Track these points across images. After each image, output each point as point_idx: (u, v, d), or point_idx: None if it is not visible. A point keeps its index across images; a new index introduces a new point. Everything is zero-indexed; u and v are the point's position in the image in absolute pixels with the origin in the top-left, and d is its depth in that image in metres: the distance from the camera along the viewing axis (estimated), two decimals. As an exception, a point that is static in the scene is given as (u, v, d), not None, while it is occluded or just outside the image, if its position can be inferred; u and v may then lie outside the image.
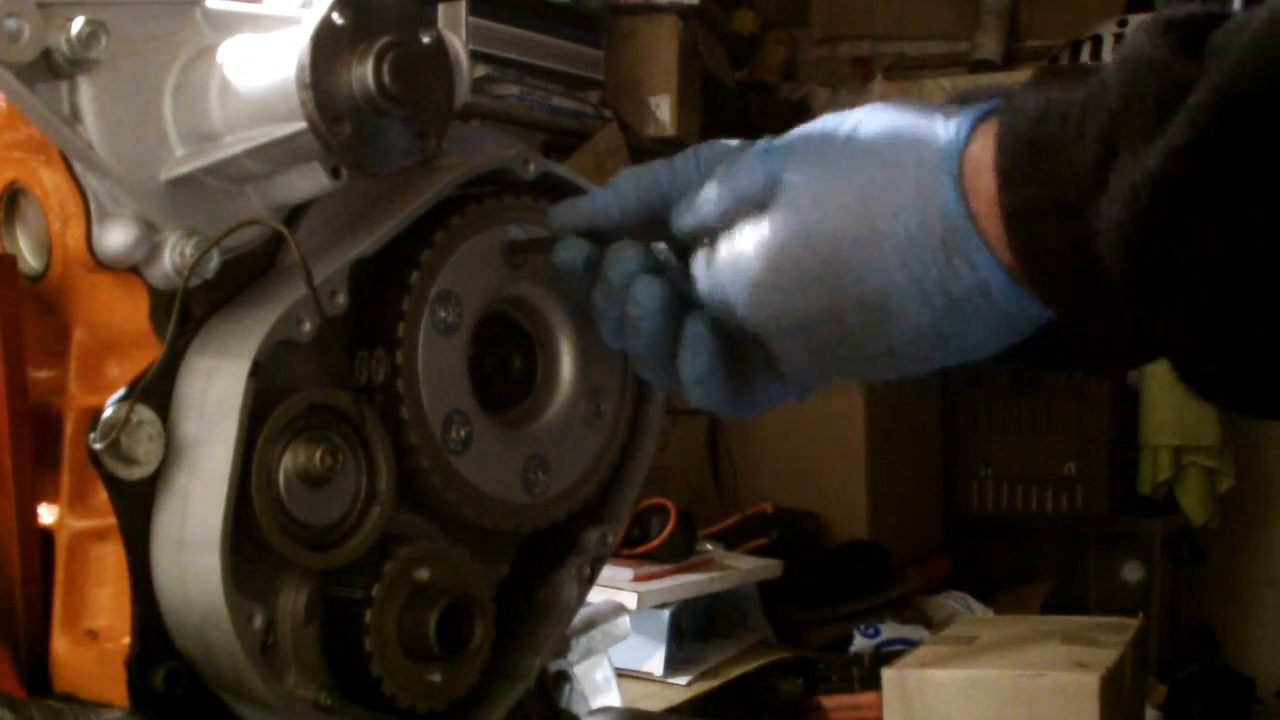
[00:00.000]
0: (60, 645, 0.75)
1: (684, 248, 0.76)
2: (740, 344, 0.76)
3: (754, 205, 0.71)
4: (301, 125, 0.71)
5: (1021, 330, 0.68)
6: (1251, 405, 0.64)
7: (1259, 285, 0.58)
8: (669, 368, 0.77)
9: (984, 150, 0.65)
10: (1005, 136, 0.64)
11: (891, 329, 0.68)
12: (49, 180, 0.74)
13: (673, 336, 0.76)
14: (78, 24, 0.70)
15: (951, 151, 0.66)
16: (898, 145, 0.68)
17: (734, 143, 0.79)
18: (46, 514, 0.76)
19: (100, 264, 0.73)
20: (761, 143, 0.74)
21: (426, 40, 0.75)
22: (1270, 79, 0.56)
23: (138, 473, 0.73)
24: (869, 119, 0.70)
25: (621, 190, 0.79)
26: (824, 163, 0.69)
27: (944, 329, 0.67)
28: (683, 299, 0.76)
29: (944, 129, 0.67)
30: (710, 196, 0.74)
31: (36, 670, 0.75)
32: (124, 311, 0.75)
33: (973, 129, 0.67)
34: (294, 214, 0.79)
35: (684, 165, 0.79)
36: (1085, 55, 3.68)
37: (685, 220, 0.75)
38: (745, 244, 0.71)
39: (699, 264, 0.74)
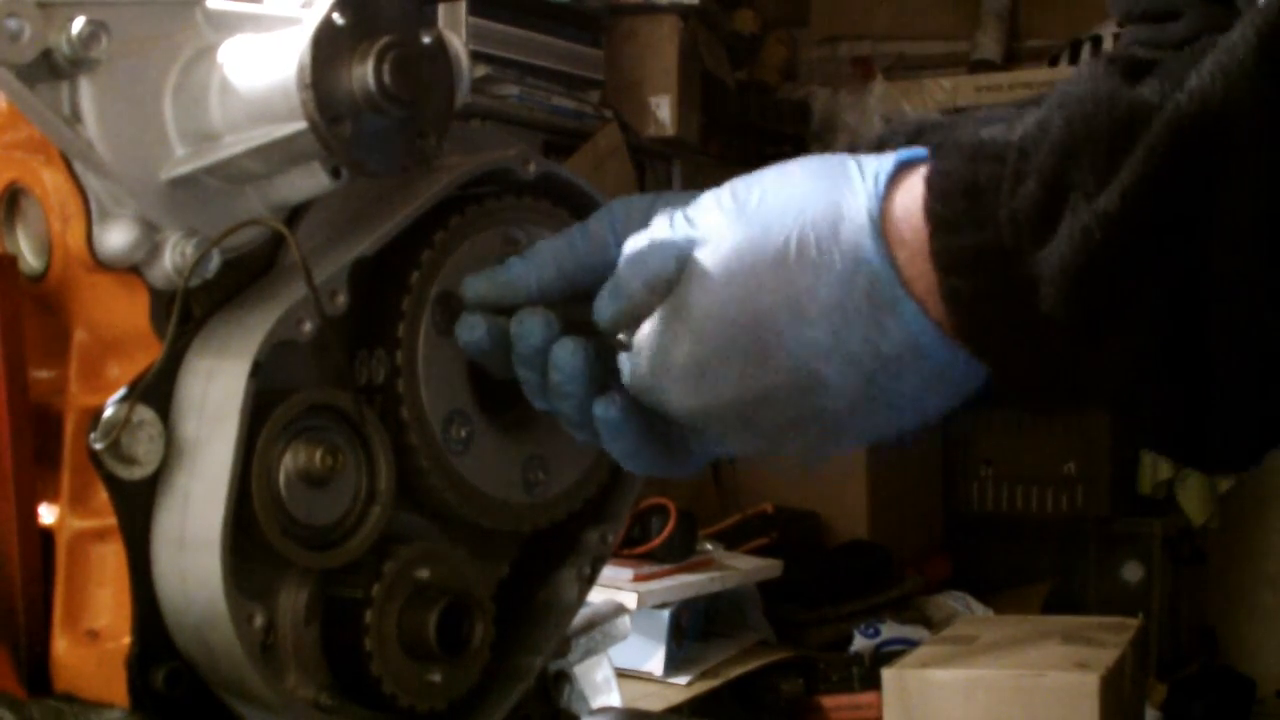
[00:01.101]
0: (60, 645, 0.75)
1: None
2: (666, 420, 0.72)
3: (666, 288, 0.68)
4: (301, 125, 0.71)
5: (961, 389, 0.64)
6: (1199, 458, 0.62)
7: (1210, 327, 0.56)
8: (590, 432, 0.74)
9: (912, 195, 0.62)
10: (936, 179, 0.61)
11: (825, 400, 0.65)
12: (49, 180, 0.74)
13: (588, 406, 0.73)
14: (78, 24, 0.70)
15: (872, 198, 0.63)
16: (812, 201, 0.64)
17: (645, 199, 0.76)
18: (47, 514, 0.76)
19: (100, 264, 0.73)
20: (667, 210, 0.71)
21: (426, 40, 0.75)
22: (1230, 112, 0.54)
23: (138, 473, 0.73)
24: (779, 178, 0.67)
25: (539, 261, 0.76)
26: (734, 231, 0.66)
27: (878, 393, 0.64)
28: (605, 361, 0.73)
29: (862, 178, 0.64)
30: (622, 285, 0.70)
31: (36, 670, 0.75)
32: (124, 311, 0.75)
33: (895, 174, 0.64)
34: (294, 214, 0.79)
35: (599, 230, 0.75)
36: (1085, 55, 3.68)
37: (603, 314, 0.71)
38: (663, 336, 0.68)
39: (621, 359, 0.71)
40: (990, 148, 0.60)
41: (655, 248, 0.68)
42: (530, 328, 0.73)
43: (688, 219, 0.69)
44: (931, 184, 0.61)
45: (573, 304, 0.75)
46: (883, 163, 0.65)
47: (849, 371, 0.63)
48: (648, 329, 0.69)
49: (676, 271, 0.68)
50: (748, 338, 0.65)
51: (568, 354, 0.72)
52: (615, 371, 0.73)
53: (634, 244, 0.70)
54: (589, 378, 0.72)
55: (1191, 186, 0.54)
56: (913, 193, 0.62)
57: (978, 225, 0.59)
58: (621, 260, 0.70)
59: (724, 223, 0.67)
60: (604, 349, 0.73)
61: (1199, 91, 0.54)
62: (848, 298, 0.63)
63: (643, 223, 0.73)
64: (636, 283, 0.69)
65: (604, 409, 0.72)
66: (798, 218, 0.64)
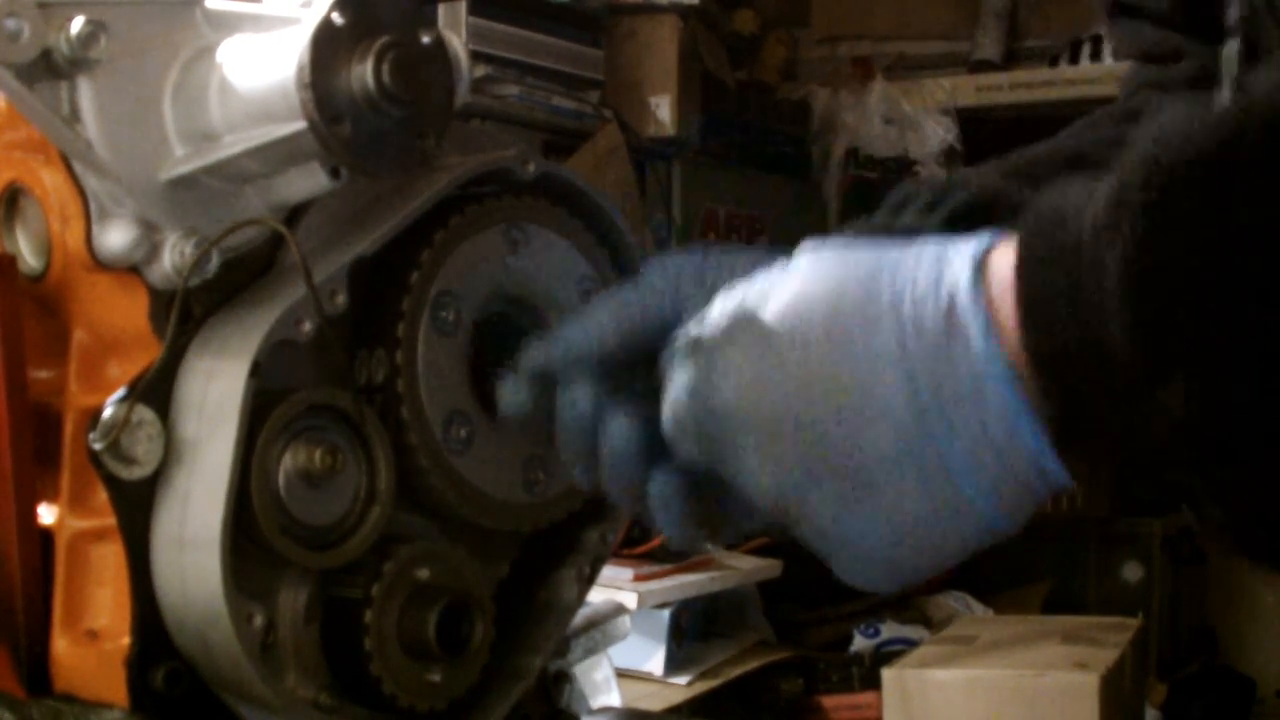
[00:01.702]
0: (60, 645, 0.75)
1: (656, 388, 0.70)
2: (711, 487, 0.69)
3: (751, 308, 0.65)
4: (301, 125, 0.71)
5: (1011, 465, 0.60)
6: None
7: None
8: (639, 502, 0.71)
9: (1006, 242, 0.60)
10: (1026, 218, 0.59)
11: (864, 437, 0.61)
12: (49, 180, 0.74)
13: (643, 474, 0.70)
14: (77, 24, 0.70)
15: (982, 242, 0.61)
16: (917, 244, 0.62)
17: (694, 258, 0.73)
18: (46, 514, 0.76)
19: (100, 264, 0.73)
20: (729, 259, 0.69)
21: (426, 40, 0.75)
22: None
23: (138, 473, 0.73)
24: (855, 251, 0.64)
25: (599, 324, 0.72)
26: (834, 249, 0.64)
27: (924, 443, 0.60)
28: (653, 435, 0.69)
29: (973, 238, 0.62)
30: (696, 318, 0.67)
31: (36, 670, 0.75)
32: (124, 311, 0.75)
33: (1002, 236, 0.61)
34: (294, 214, 0.79)
35: (656, 293, 0.72)
36: (1085, 55, 3.69)
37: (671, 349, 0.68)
38: (737, 330, 0.65)
39: (677, 377, 0.67)
40: (1072, 200, 0.58)
41: (729, 298, 0.66)
42: (579, 404, 0.71)
43: (760, 280, 0.66)
44: (1022, 234, 0.59)
45: (625, 370, 0.72)
46: (996, 233, 0.62)
47: (902, 395, 0.60)
48: (726, 348, 0.65)
49: (763, 294, 0.65)
50: (818, 333, 0.62)
51: (621, 437, 0.69)
52: (663, 443, 0.69)
53: (722, 276, 0.68)
54: (642, 456, 0.70)
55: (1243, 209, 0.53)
56: (1008, 249, 0.60)
57: (1056, 262, 0.57)
58: (696, 318, 0.68)
59: (805, 267, 0.64)
60: (655, 417, 0.70)
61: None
62: (929, 311, 0.60)
63: (697, 284, 0.71)
64: (715, 309, 0.67)
65: (659, 487, 0.69)
66: (902, 248, 0.63)
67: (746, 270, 0.69)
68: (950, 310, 0.59)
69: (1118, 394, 0.56)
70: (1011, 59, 3.94)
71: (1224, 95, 0.92)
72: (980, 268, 0.60)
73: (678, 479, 0.69)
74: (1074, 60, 3.72)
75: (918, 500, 0.61)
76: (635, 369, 0.71)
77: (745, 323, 0.64)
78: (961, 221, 0.86)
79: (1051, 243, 0.57)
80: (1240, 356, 0.55)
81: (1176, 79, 1.06)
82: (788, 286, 0.63)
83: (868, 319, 0.61)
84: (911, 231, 0.85)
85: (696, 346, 0.67)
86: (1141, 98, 1.08)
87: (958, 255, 0.61)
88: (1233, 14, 0.91)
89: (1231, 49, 0.92)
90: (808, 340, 0.62)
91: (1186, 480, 0.61)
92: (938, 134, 3.81)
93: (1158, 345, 0.55)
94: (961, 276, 0.60)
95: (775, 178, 3.82)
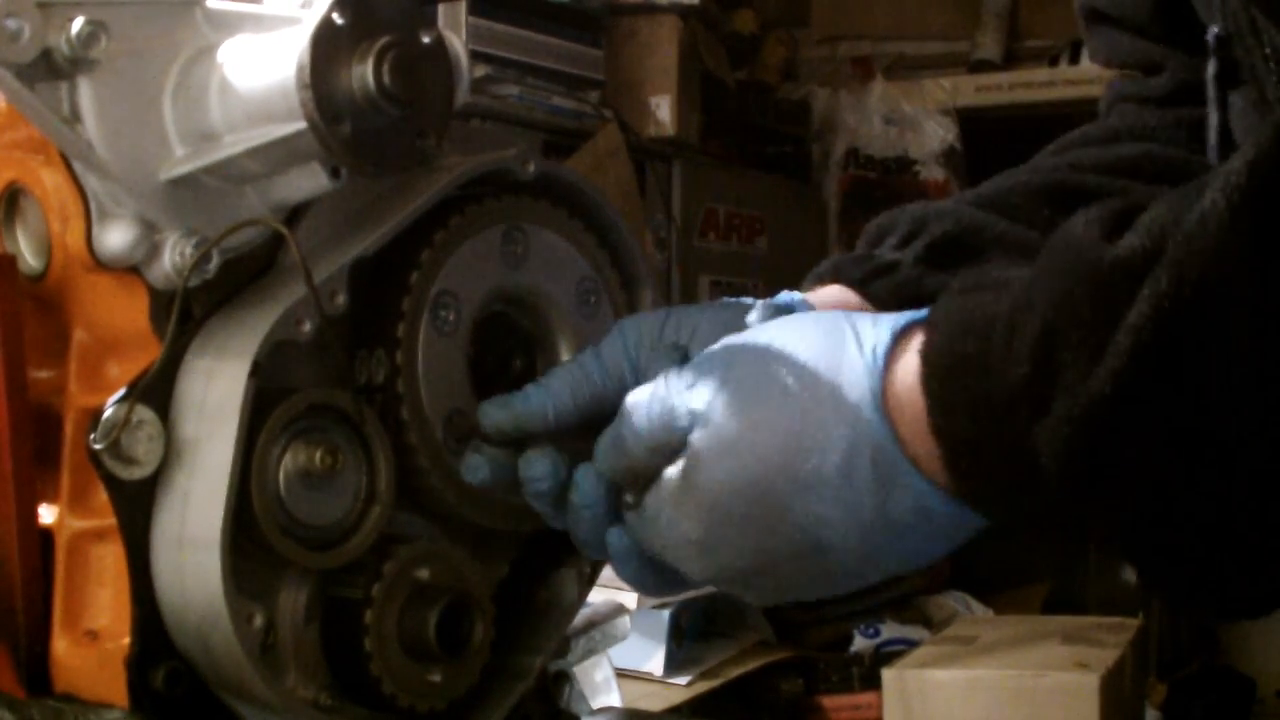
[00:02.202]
0: (60, 645, 0.75)
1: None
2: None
3: (668, 455, 0.70)
4: (301, 125, 0.71)
5: (962, 537, 0.67)
6: (1206, 607, 0.65)
7: (1204, 487, 0.58)
8: (603, 553, 0.77)
9: (908, 370, 0.64)
10: (930, 356, 0.63)
11: (830, 560, 0.67)
12: (49, 180, 0.74)
13: (602, 533, 0.76)
14: (78, 24, 0.70)
15: (873, 374, 0.65)
16: (811, 379, 0.66)
17: (655, 318, 0.78)
18: (46, 514, 0.76)
19: (100, 264, 0.73)
20: (670, 367, 0.72)
21: (426, 40, 0.75)
22: (1208, 288, 0.55)
23: (138, 473, 0.73)
24: (778, 351, 0.68)
25: (555, 391, 0.78)
26: (736, 409, 0.67)
27: (883, 550, 0.66)
28: (618, 491, 0.75)
29: (860, 352, 0.66)
30: (626, 446, 0.72)
31: (36, 670, 0.75)
32: (124, 311, 0.75)
33: (894, 345, 0.65)
34: (294, 214, 0.79)
35: (614, 359, 0.78)
36: (1085, 55, 3.68)
37: (604, 467, 0.74)
38: (671, 502, 0.70)
39: (629, 515, 0.74)
40: (981, 317, 0.61)
41: (659, 417, 0.70)
42: (539, 471, 0.76)
43: (689, 386, 0.70)
44: (927, 359, 0.63)
45: (585, 433, 0.77)
46: (880, 334, 0.66)
47: (854, 536, 0.66)
48: (654, 500, 0.71)
49: (682, 435, 0.69)
50: (756, 513, 0.67)
51: (584, 500, 0.75)
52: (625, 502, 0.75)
53: (636, 405, 0.72)
54: (606, 505, 0.75)
55: (1179, 362, 0.56)
56: (909, 367, 0.64)
57: (973, 406, 0.61)
58: (624, 420, 0.72)
59: (725, 400, 0.68)
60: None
61: (1175, 266, 0.56)
62: (854, 471, 0.65)
63: (652, 348, 0.76)
64: (639, 448, 0.71)
65: (617, 538, 0.75)
66: (799, 395, 0.66)
67: (704, 333, 0.75)
68: (873, 467, 0.64)
69: (1050, 518, 0.63)
70: (1011, 59, 3.94)
71: (1213, 118, 0.93)
72: (887, 415, 0.64)
73: (632, 544, 0.74)
74: (1074, 60, 3.72)
75: (883, 571, 0.68)
76: (597, 431, 0.76)
77: (676, 508, 0.70)
78: (939, 252, 0.89)
79: (967, 398, 0.61)
80: (1156, 504, 0.60)
81: (1156, 92, 1.06)
82: (708, 471, 0.68)
83: (800, 490, 0.65)
84: (889, 266, 0.91)
85: (631, 482, 0.72)
86: (1120, 113, 1.08)
87: (862, 406, 0.65)
88: (1211, 33, 0.91)
89: (1209, 70, 0.93)
90: (746, 528, 0.67)
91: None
92: (938, 134, 3.81)
93: (1086, 498, 0.61)
94: (876, 436, 0.64)
95: (775, 178, 3.82)
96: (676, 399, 0.70)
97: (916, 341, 0.65)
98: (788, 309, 0.80)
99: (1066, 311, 0.58)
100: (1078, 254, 0.59)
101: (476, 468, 0.79)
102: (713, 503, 0.68)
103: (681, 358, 0.74)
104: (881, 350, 0.65)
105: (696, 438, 0.68)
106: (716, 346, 0.72)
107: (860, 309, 0.89)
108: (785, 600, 0.73)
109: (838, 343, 0.67)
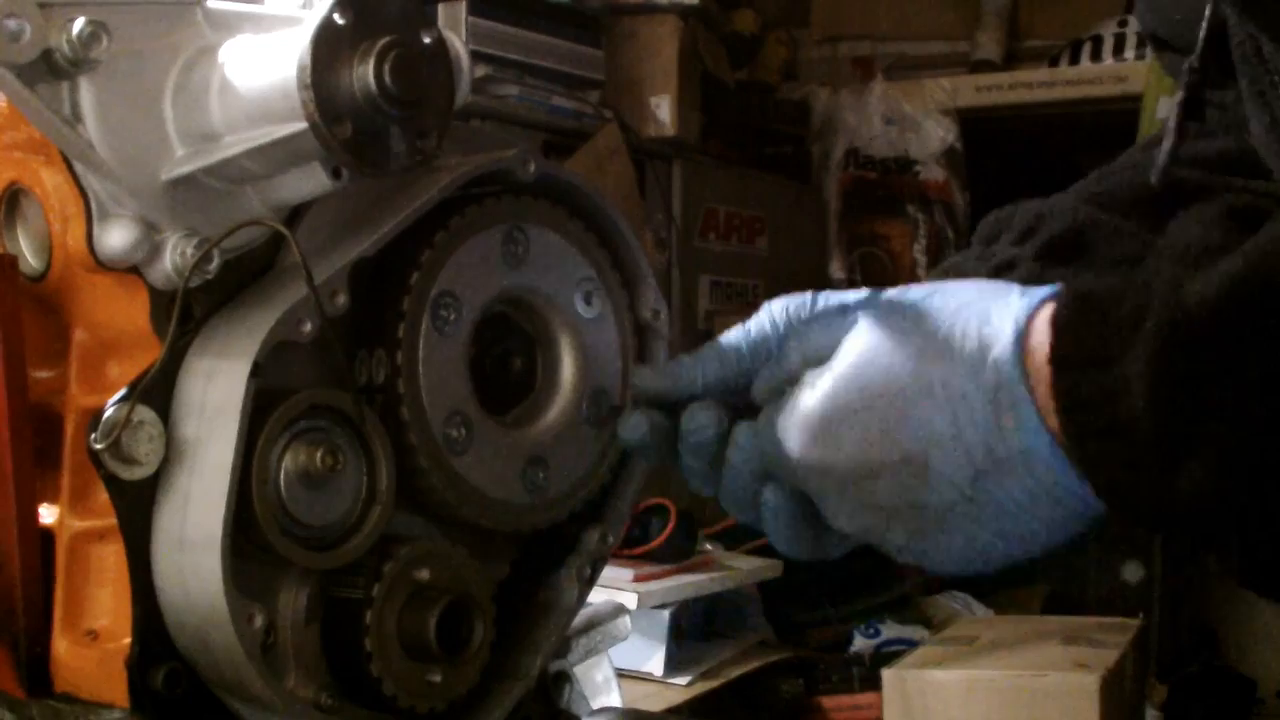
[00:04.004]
0: (60, 645, 0.75)
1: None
2: (814, 506, 0.78)
3: (820, 361, 0.74)
4: (302, 125, 0.71)
5: (1062, 520, 0.69)
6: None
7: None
8: (753, 514, 0.80)
9: (1043, 314, 0.68)
10: (1065, 295, 0.68)
11: (928, 493, 0.70)
12: (49, 180, 0.74)
13: (757, 489, 0.79)
14: (78, 24, 0.70)
15: (1021, 310, 0.69)
16: (969, 303, 0.70)
17: (806, 296, 0.82)
18: (47, 514, 0.76)
19: (100, 264, 0.73)
20: (835, 300, 0.78)
21: (426, 40, 0.75)
22: None
23: (138, 473, 0.73)
24: (948, 287, 0.73)
25: (706, 360, 0.82)
26: (890, 319, 0.72)
27: (981, 496, 0.69)
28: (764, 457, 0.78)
29: (1020, 295, 0.70)
30: (783, 359, 0.77)
31: (36, 670, 0.75)
32: (124, 312, 0.75)
33: (1044, 301, 0.69)
34: (294, 214, 0.79)
35: (762, 331, 0.82)
36: (1085, 55, 3.68)
37: (760, 386, 0.78)
38: (803, 393, 0.74)
39: (762, 418, 0.77)
40: (1109, 289, 0.66)
41: (822, 326, 0.76)
42: (704, 421, 0.79)
43: (852, 305, 0.75)
44: (1061, 297, 0.68)
45: (732, 396, 0.81)
46: (1040, 291, 0.70)
47: (958, 465, 0.69)
48: (796, 389, 0.75)
49: (831, 347, 0.74)
50: (877, 406, 0.71)
51: (741, 455, 0.78)
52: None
53: (797, 337, 0.77)
54: (759, 472, 0.78)
55: (1267, 309, 0.60)
56: (1048, 308, 0.69)
57: (1088, 330, 0.65)
58: (785, 349, 0.78)
59: (883, 311, 0.73)
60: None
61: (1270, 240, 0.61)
62: (976, 391, 0.68)
63: (803, 323, 0.80)
64: (795, 356, 0.76)
65: (772, 493, 0.78)
66: (954, 313, 0.71)
67: (842, 316, 0.77)
68: (996, 389, 0.67)
69: (1139, 468, 0.64)
70: (1011, 59, 3.94)
71: (1166, 143, 0.97)
72: (1021, 346, 0.67)
73: (785, 496, 0.77)
74: (1074, 60, 3.72)
75: (984, 533, 0.69)
76: (743, 394, 0.80)
77: (810, 389, 0.73)
78: (1055, 249, 0.94)
79: (1085, 346, 0.65)
80: (1242, 454, 0.62)
81: (1214, 102, 1.08)
82: (846, 361, 0.72)
83: (921, 395, 0.68)
84: (1009, 264, 0.95)
85: (774, 395, 0.76)
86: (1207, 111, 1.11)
87: (1001, 334, 0.68)
88: (1185, 65, 0.94)
89: (1229, 96, 0.96)
90: (867, 417, 0.70)
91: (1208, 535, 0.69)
92: (938, 134, 3.81)
93: (1172, 439, 0.63)
94: (1004, 357, 0.67)
95: (775, 178, 3.82)
96: (838, 326, 0.74)
97: (1060, 292, 0.69)
98: None
99: (1170, 259, 0.63)
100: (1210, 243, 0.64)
101: (636, 425, 0.82)
102: (841, 388, 0.71)
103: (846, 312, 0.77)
104: (1036, 299, 0.69)
105: (847, 337, 0.73)
106: (873, 298, 0.76)
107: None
108: (888, 539, 0.74)
109: (1000, 287, 0.71)
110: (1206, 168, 1.01)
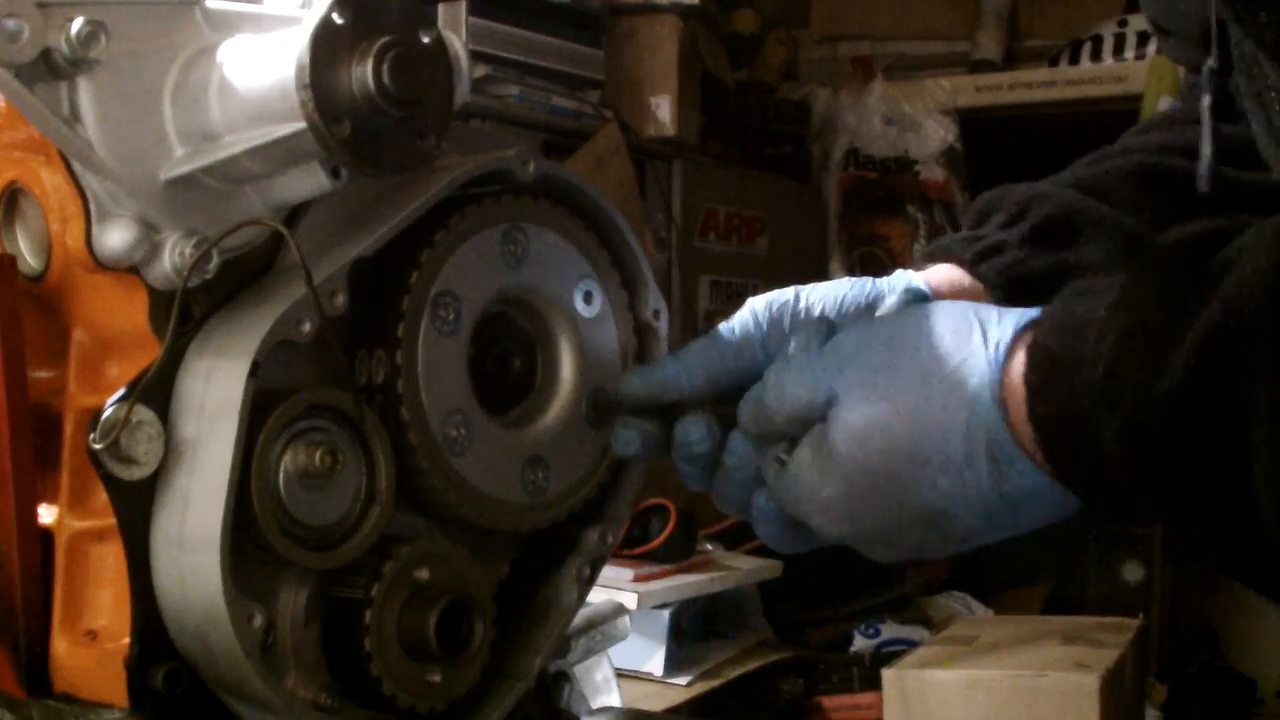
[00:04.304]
0: (60, 645, 0.75)
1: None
2: None
3: (811, 420, 0.77)
4: (301, 125, 0.71)
5: (1072, 509, 0.73)
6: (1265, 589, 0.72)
7: (1254, 485, 0.64)
8: (746, 514, 0.84)
9: (1019, 364, 0.71)
10: (1034, 351, 0.70)
11: (953, 528, 0.74)
12: (49, 180, 0.74)
13: (750, 494, 0.82)
14: (77, 24, 0.70)
15: (994, 366, 0.71)
16: (944, 364, 0.73)
17: (784, 296, 0.86)
18: (46, 514, 0.76)
19: (100, 264, 0.73)
20: (816, 303, 0.83)
21: (426, 40, 0.75)
22: (1253, 322, 0.62)
23: (138, 473, 0.73)
24: (917, 332, 0.75)
25: (690, 362, 0.84)
26: (875, 386, 0.74)
27: (999, 522, 0.74)
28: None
29: (985, 346, 0.72)
30: (769, 412, 0.78)
31: (36, 670, 0.75)
32: (124, 312, 0.75)
33: (1014, 341, 0.72)
34: (294, 214, 0.79)
35: (745, 336, 0.84)
36: (1085, 55, 3.68)
37: (749, 426, 0.80)
38: (808, 468, 0.76)
39: (769, 474, 0.79)
40: (1076, 321, 0.69)
41: (802, 388, 0.77)
42: (697, 436, 0.82)
43: (829, 364, 0.77)
44: (1030, 354, 0.71)
45: (717, 402, 0.83)
46: (1003, 330, 0.73)
47: (975, 511, 0.73)
48: (794, 467, 0.77)
49: (821, 405, 0.76)
50: (885, 486, 0.74)
51: (742, 449, 0.81)
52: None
53: (781, 374, 0.78)
54: (754, 470, 0.81)
55: (1224, 382, 0.63)
56: (1020, 361, 0.72)
57: (1060, 396, 0.68)
58: (768, 388, 0.79)
59: (861, 382, 0.75)
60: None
61: (1226, 301, 0.63)
62: (972, 453, 0.72)
63: (783, 330, 0.84)
64: (781, 415, 0.78)
65: (763, 500, 0.81)
66: (928, 383, 0.73)
67: (837, 312, 0.83)
68: (988, 446, 0.71)
69: (1123, 499, 0.69)
70: (1011, 59, 3.94)
71: (1206, 149, 0.98)
72: (1001, 402, 0.71)
73: (775, 503, 0.80)
74: (1074, 60, 3.72)
75: (1004, 534, 0.75)
76: (727, 402, 0.82)
77: (815, 442, 0.76)
78: (1042, 233, 0.93)
79: (1058, 391, 0.68)
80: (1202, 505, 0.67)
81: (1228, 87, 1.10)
82: (842, 448, 0.74)
83: (923, 466, 0.72)
84: (997, 247, 0.98)
85: (763, 442, 0.79)
86: (1194, 98, 1.11)
87: (980, 397, 0.71)
88: (1206, 66, 0.95)
89: (1204, 102, 0.98)
90: (878, 500, 0.74)
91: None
92: (938, 134, 3.81)
93: (1146, 501, 0.68)
94: (988, 416, 0.71)
95: (775, 178, 3.82)
96: (819, 376, 0.76)
97: (1028, 339, 0.72)
98: (920, 296, 0.89)
99: (1139, 326, 0.65)
100: (1161, 275, 0.67)
101: (628, 441, 0.85)
102: (847, 474, 0.74)
103: (828, 332, 0.79)
104: (1004, 345, 0.72)
105: (834, 414, 0.75)
106: (853, 331, 0.78)
107: (971, 288, 0.97)
108: (908, 558, 0.79)
109: (964, 336, 0.73)
110: (1194, 156, 1.02)
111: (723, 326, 0.85)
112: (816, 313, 0.87)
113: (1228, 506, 0.65)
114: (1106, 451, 0.67)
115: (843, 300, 0.90)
